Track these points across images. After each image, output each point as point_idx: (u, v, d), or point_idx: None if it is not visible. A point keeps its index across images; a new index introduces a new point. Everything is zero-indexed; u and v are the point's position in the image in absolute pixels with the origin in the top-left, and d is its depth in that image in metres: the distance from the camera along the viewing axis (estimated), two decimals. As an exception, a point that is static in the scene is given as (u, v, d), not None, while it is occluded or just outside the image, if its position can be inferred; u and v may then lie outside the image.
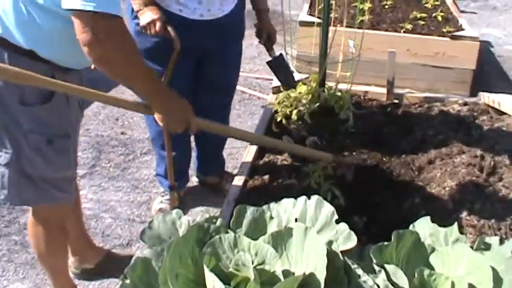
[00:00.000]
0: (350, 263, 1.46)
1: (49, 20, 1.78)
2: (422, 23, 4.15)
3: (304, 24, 4.10)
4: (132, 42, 1.78)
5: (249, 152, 2.51)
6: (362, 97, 3.10)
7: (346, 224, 1.60)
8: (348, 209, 2.14)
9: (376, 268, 1.51)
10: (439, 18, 4.19)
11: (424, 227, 1.75)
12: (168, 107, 1.91)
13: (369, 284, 1.42)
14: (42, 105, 1.89)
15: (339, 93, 2.89)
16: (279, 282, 1.35)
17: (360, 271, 1.44)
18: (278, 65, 2.69)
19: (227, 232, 1.62)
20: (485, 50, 5.08)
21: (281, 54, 2.72)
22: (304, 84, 2.86)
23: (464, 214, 2.12)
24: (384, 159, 2.49)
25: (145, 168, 3.37)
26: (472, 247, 1.61)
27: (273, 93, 3.07)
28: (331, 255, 1.50)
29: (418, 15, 4.19)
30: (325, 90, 2.87)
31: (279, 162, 2.47)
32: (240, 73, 2.99)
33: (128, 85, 1.90)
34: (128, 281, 1.52)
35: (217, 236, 1.56)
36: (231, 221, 1.67)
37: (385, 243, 1.56)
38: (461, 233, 1.75)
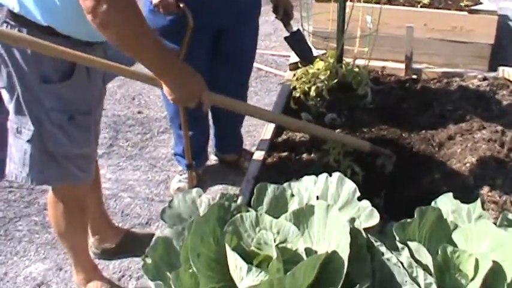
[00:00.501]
0: (373, 240, 1.45)
1: None
2: (441, -4, 4.09)
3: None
4: (138, 12, 1.68)
5: (267, 130, 2.50)
6: (380, 73, 3.07)
7: (368, 201, 1.59)
8: (368, 186, 2.13)
9: (399, 245, 1.50)
10: (458, -9, 4.12)
11: (446, 203, 1.73)
12: (179, 80, 1.82)
13: (393, 261, 1.41)
14: (63, 82, 1.89)
15: (357, 69, 2.87)
16: (302, 261, 1.35)
17: (383, 248, 1.43)
18: (296, 41, 2.65)
19: (248, 211, 1.62)
20: (503, 23, 4.99)
21: (298, 30, 2.69)
22: (322, 60, 2.84)
23: (485, 190, 2.10)
24: (404, 135, 2.47)
25: (163, 147, 3.38)
26: (495, 223, 1.60)
27: (290, 69, 3.05)
28: (353, 232, 1.49)
29: (436, -10, 4.12)
30: (343, 66, 2.84)
31: (297, 139, 2.45)
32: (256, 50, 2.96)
33: (136, 56, 1.76)
34: (149, 261, 1.52)
35: (239, 215, 1.55)
36: (252, 199, 1.67)
37: (408, 220, 1.55)
38: (483, 209, 1.73)
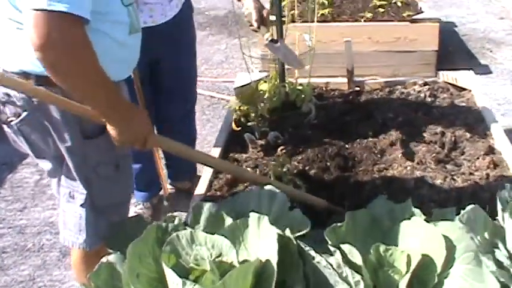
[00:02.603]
0: (303, 246, 1.50)
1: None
2: (383, 10, 4.20)
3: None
4: (92, 51, 1.57)
5: (214, 151, 2.55)
6: (324, 88, 3.13)
7: (299, 210, 1.64)
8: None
9: (332, 249, 1.54)
10: (399, 3, 4.24)
11: (381, 205, 1.78)
12: (125, 121, 1.75)
13: (323, 264, 1.46)
14: (103, 134, 1.81)
15: (300, 87, 2.94)
16: (233, 269, 1.38)
17: (313, 253, 1.48)
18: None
19: (185, 229, 1.66)
20: (450, 30, 5.15)
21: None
22: (265, 82, 2.90)
23: (425, 190, 2.16)
24: (347, 146, 2.52)
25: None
26: (428, 220, 1.65)
27: (236, 94, 3.10)
28: (284, 241, 1.53)
29: (378, 3, 4.23)
30: (286, 85, 2.91)
31: (243, 158, 2.50)
32: (208, 78, 3.01)
33: (83, 97, 1.68)
34: (91, 286, 1.54)
35: (175, 234, 1.60)
36: (189, 218, 1.71)
37: (338, 224, 1.60)
38: (423, 208, 1.78)
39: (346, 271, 1.42)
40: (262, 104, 2.78)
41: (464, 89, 2.97)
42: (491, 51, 4.78)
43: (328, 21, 4.12)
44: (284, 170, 2.27)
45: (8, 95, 1.79)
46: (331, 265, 1.45)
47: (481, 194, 2.12)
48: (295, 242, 1.50)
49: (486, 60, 4.65)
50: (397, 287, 1.49)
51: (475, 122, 2.65)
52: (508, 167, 2.29)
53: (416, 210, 1.70)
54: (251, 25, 2.51)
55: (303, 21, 4.16)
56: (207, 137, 3.83)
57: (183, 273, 1.52)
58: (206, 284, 1.42)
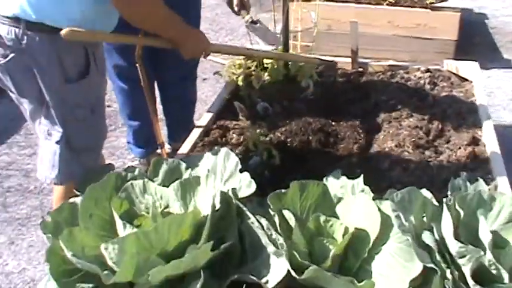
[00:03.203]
0: (242, 207, 1.58)
1: None
2: (408, -6, 4.18)
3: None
4: None
5: (204, 117, 2.64)
6: (328, 66, 3.16)
7: (247, 173, 1.71)
8: (285, 168, 2.25)
9: (272, 213, 1.62)
10: (426, -10, 4.21)
11: (335, 179, 1.84)
12: (191, 38, 2.18)
13: (256, 225, 1.53)
14: (82, 80, 2.05)
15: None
16: (165, 218, 1.48)
17: (248, 213, 1.56)
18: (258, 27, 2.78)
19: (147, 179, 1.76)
20: (479, 21, 5.07)
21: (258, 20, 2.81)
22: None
23: (396, 172, 2.20)
24: (333, 123, 2.57)
25: (124, 137, 3.51)
26: (376, 198, 1.70)
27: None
28: (227, 199, 1.62)
29: (403, -12, 4.21)
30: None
31: (231, 126, 2.58)
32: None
33: (154, 30, 2.10)
34: (49, 219, 1.66)
35: (129, 183, 1.70)
36: (149, 170, 1.81)
37: (283, 190, 1.66)
38: (390, 188, 1.83)
39: (274, 233, 1.50)
40: (265, 76, 2.86)
41: (466, 80, 2.96)
42: (516, 46, 4.70)
43: (350, 1, 4.13)
44: (262, 139, 2.34)
45: None
46: (263, 227, 1.52)
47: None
48: (234, 202, 1.58)
49: (510, 55, 4.56)
50: (329, 255, 1.55)
51: (467, 113, 2.64)
52: (487, 160, 2.30)
53: (366, 188, 1.75)
54: (233, 9, 2.77)
55: (326, 0, 4.20)
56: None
57: (134, 218, 1.64)
58: (144, 228, 1.52)
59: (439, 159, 2.31)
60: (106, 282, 1.42)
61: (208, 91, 4.20)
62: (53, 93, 2.01)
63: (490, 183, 2.15)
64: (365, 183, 2.10)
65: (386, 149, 2.35)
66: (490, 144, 2.38)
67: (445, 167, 2.25)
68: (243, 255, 1.58)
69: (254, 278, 1.44)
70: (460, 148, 2.37)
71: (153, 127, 2.55)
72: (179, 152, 2.39)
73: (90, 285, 1.52)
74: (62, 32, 1.88)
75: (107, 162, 3.28)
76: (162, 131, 3.27)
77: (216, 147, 1.85)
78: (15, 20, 1.91)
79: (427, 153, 2.34)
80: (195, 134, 2.51)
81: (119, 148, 3.48)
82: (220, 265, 1.55)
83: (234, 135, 2.50)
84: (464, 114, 2.63)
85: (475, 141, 2.41)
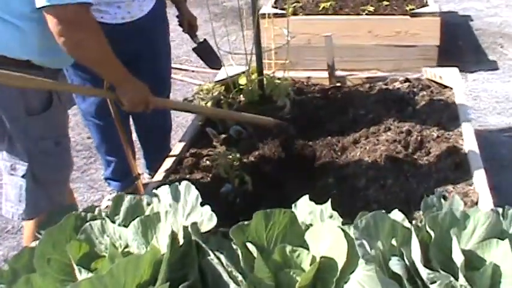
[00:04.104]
0: (200, 243, 1.51)
1: (34, 26, 1.92)
2: (387, 3, 4.12)
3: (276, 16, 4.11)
4: (98, 27, 1.96)
5: (176, 146, 2.58)
6: (305, 83, 3.11)
7: (209, 207, 1.64)
8: (258, 194, 2.18)
9: (234, 247, 1.55)
10: (405, -3, 4.16)
11: (304, 205, 1.77)
12: (130, 88, 2.11)
13: (215, 261, 1.47)
14: (45, 112, 2.05)
15: (278, 81, 2.93)
16: (121, 260, 1.41)
17: (207, 250, 1.49)
18: (204, 50, 2.79)
19: (105, 219, 1.69)
20: (464, 24, 5.01)
21: (205, 40, 2.81)
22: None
23: (372, 190, 2.12)
24: (310, 142, 2.50)
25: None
26: (346, 223, 1.63)
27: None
28: (187, 235, 1.55)
29: (382, -4, 4.16)
30: (265, 79, 2.90)
31: (205, 153, 2.51)
32: (195, 68, 3.06)
33: (98, 70, 2.06)
34: (6, 268, 1.59)
35: (88, 223, 1.63)
36: (109, 209, 1.74)
37: (246, 222, 1.59)
38: (366, 209, 1.76)
39: (233, 270, 1.43)
40: (241, 97, 2.81)
41: (446, 87, 2.90)
42: (502, 47, 4.63)
43: (329, 14, 4.08)
44: (235, 164, 2.27)
45: None
46: (222, 263, 1.45)
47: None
48: (193, 237, 1.52)
49: (495, 56, 4.50)
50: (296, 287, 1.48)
51: (448, 121, 2.58)
52: (469, 170, 2.23)
53: (335, 213, 1.68)
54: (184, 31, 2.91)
55: (305, 14, 4.16)
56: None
57: (94, 260, 1.57)
58: (100, 271, 1.45)
59: (418, 173, 2.24)
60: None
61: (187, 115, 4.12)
62: (16, 125, 2.00)
63: (472, 195, 2.09)
64: (340, 204, 2.05)
65: (363, 166, 2.28)
66: (471, 153, 2.31)
67: (425, 181, 2.18)
68: (207, 293, 1.51)
69: (215, 319, 1.37)
70: (440, 159, 2.30)
71: (129, 161, 2.50)
72: (152, 181, 2.33)
73: (47, 336, 1.45)
74: None
75: (84, 196, 3.26)
76: (141, 161, 3.23)
77: (177, 181, 1.79)
78: None
79: (405, 167, 2.27)
80: (168, 163, 2.45)
81: (98, 181, 3.42)
82: (183, 306, 1.48)
83: (208, 161, 2.43)
84: (445, 123, 2.57)
85: (456, 151, 2.34)
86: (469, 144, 2.37)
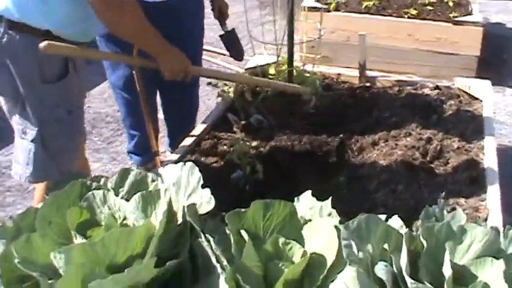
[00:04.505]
0: (193, 224, 1.54)
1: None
2: (431, 8, 4.05)
3: (310, 10, 4.10)
4: (137, 4, 2.02)
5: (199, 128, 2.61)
6: (335, 79, 3.09)
7: (208, 190, 1.66)
8: (268, 184, 2.19)
9: (228, 231, 1.57)
10: (450, 3, 4.07)
11: (306, 200, 1.78)
12: (170, 58, 2.19)
13: (205, 243, 1.50)
14: (60, 82, 2.11)
15: (307, 75, 2.93)
16: (112, 230, 1.45)
17: (199, 231, 1.52)
18: (230, 39, 2.79)
19: (109, 190, 1.73)
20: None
21: (233, 29, 2.81)
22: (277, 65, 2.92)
23: (381, 194, 2.11)
24: (329, 139, 2.50)
25: (129, 143, 3.53)
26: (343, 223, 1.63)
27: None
28: (184, 216, 1.58)
29: (427, 1, 4.08)
30: (294, 71, 2.90)
31: (225, 136, 2.54)
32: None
33: (138, 43, 2.17)
34: (9, 223, 1.65)
35: (91, 192, 1.68)
36: (115, 181, 1.78)
37: (243, 210, 1.61)
38: (373, 212, 1.75)
39: (220, 254, 1.45)
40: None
41: (476, 99, 2.84)
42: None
43: (371, 13, 4.04)
44: (250, 151, 2.29)
45: None
46: (211, 248, 1.48)
47: (440, 207, 2.05)
48: (187, 218, 1.54)
49: (539, 74, 4.37)
50: (283, 281, 1.49)
51: (472, 133, 2.53)
52: (484, 185, 2.19)
53: (333, 211, 1.68)
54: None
55: (347, 11, 4.13)
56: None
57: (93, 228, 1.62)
58: (94, 238, 1.50)
59: (432, 182, 2.21)
60: (45, 291, 1.40)
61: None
62: (30, 92, 2.05)
63: (482, 211, 2.06)
64: (347, 204, 2.05)
65: (377, 169, 2.27)
66: (491, 169, 2.26)
67: (437, 191, 2.15)
68: (196, 273, 1.54)
69: (196, 299, 1.40)
70: (457, 171, 2.27)
71: (149, 137, 2.54)
72: (168, 159, 2.37)
73: (40, 293, 1.49)
74: (41, 45, 1.90)
75: (106, 167, 3.33)
76: (165, 139, 3.27)
77: (192, 161, 1.81)
78: None
79: (420, 175, 2.25)
80: (187, 142, 2.49)
81: (121, 153, 3.50)
82: (170, 283, 1.51)
83: (225, 146, 2.46)
84: (468, 135, 2.52)
85: (475, 165, 2.30)
86: (489, 159, 2.33)
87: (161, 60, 2.18)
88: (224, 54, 4.24)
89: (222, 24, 2.84)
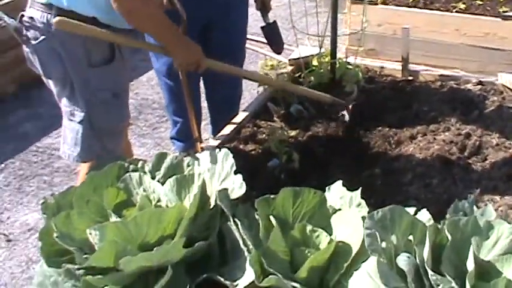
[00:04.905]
0: (223, 207, 1.59)
1: None
2: (480, 2, 3.97)
3: (354, 2, 4.09)
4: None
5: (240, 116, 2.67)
6: (378, 72, 3.09)
7: (240, 175, 1.72)
8: (304, 173, 2.23)
9: (257, 217, 1.62)
10: (501, -2, 3.98)
11: (337, 190, 1.81)
12: (181, 51, 2.22)
13: (233, 227, 1.55)
14: (106, 66, 2.22)
15: (350, 67, 2.94)
16: (145, 210, 1.53)
17: (229, 215, 1.58)
18: (271, 31, 2.81)
19: (145, 173, 1.81)
20: None
21: (275, 21, 2.83)
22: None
23: (414, 187, 2.12)
24: (368, 131, 2.51)
25: (173, 129, 3.62)
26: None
27: (290, 64, 3.15)
28: (216, 200, 1.65)
29: (477, -5, 4.00)
30: (338, 62, 2.93)
31: (265, 125, 2.59)
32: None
33: (151, 34, 2.26)
34: (51, 200, 1.75)
35: (128, 174, 1.76)
36: (152, 164, 1.86)
37: (272, 196, 1.66)
38: (405, 204, 1.77)
39: (246, 238, 1.50)
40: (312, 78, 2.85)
41: (521, 96, 2.80)
42: None
43: (418, 7, 3.99)
44: (289, 140, 2.34)
45: (32, 19, 2.12)
46: (239, 231, 1.53)
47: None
48: (218, 202, 1.60)
49: None
50: (307, 267, 1.53)
51: (512, 131, 2.50)
52: (522, 183, 2.17)
53: (362, 201, 1.71)
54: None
55: (395, 4, 4.09)
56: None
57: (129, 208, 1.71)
58: (127, 217, 1.58)
59: (468, 177, 2.21)
60: (80, 264, 1.49)
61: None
62: (78, 75, 2.16)
63: (515, 209, 2.05)
64: (381, 196, 2.07)
65: (413, 162, 2.27)
66: (529, 167, 2.24)
67: (472, 187, 2.14)
68: (224, 255, 1.60)
69: (221, 279, 1.46)
70: (494, 168, 2.25)
71: (191, 123, 2.61)
72: (208, 145, 2.43)
73: (76, 266, 1.58)
74: (53, 21, 2.01)
75: (150, 152, 3.42)
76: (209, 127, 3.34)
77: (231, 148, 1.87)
78: (49, 6, 2.09)
79: (455, 170, 2.24)
80: (227, 130, 2.55)
81: (165, 139, 3.59)
82: (199, 264, 1.58)
83: (264, 135, 2.51)
84: (508, 132, 2.49)
85: (513, 163, 2.28)
86: (529, 158, 2.30)
87: (174, 52, 2.23)
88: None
89: (264, 15, 2.86)
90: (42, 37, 2.11)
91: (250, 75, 2.78)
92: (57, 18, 2.01)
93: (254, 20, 3.04)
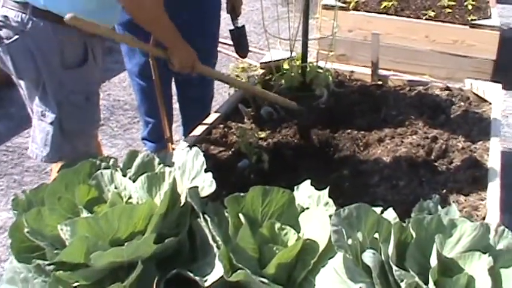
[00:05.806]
0: (193, 204, 1.61)
1: None
2: (449, 10, 4.08)
3: (326, 7, 4.16)
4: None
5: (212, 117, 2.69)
6: (348, 77, 3.14)
7: (211, 174, 1.74)
8: (273, 174, 2.26)
9: (226, 214, 1.64)
10: (469, 7, 4.08)
11: (305, 189, 1.85)
12: (180, 51, 2.28)
13: (203, 224, 1.57)
14: (79, 68, 2.20)
15: (320, 71, 2.98)
16: (117, 206, 1.53)
17: (198, 212, 1.60)
18: (239, 35, 2.86)
19: (117, 171, 1.82)
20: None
21: (243, 26, 2.87)
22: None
23: (382, 188, 2.17)
24: (336, 134, 2.56)
25: (145, 130, 3.63)
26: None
27: (261, 68, 3.19)
28: (187, 197, 1.66)
29: (447, 3, 4.10)
30: (308, 66, 2.96)
31: (235, 126, 2.61)
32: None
33: (154, 30, 2.24)
34: (22, 197, 1.75)
35: (99, 171, 1.77)
36: (123, 162, 1.87)
37: (241, 194, 1.68)
38: (373, 205, 1.81)
39: (215, 234, 1.52)
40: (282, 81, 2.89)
41: (486, 101, 2.88)
42: None
43: (389, 13, 4.08)
44: (258, 141, 2.37)
45: (6, 17, 2.10)
46: (209, 227, 1.55)
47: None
48: (188, 199, 1.62)
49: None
50: (275, 263, 1.56)
51: (478, 134, 2.56)
52: (486, 185, 2.23)
53: (330, 200, 1.75)
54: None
55: (366, 10, 4.18)
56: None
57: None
58: (98, 213, 1.59)
59: (434, 180, 2.26)
60: (51, 260, 1.49)
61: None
62: (51, 76, 2.14)
63: (481, 210, 2.10)
64: (348, 197, 2.11)
65: (380, 165, 2.32)
66: (493, 170, 2.30)
67: (438, 189, 2.20)
68: (194, 252, 1.62)
69: (191, 275, 1.47)
70: (459, 171, 2.31)
71: (162, 123, 2.62)
72: (178, 147, 2.45)
73: (46, 261, 1.58)
74: (66, 17, 1.99)
75: (121, 152, 3.42)
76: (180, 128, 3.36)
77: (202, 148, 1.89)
78: (24, 5, 2.07)
79: (422, 172, 2.29)
80: (199, 131, 2.57)
81: (136, 140, 3.60)
82: (169, 259, 1.59)
83: (235, 136, 2.53)
84: (474, 136, 2.56)
85: (478, 165, 2.34)
86: (493, 160, 2.36)
87: (173, 51, 2.27)
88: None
89: (234, 19, 2.91)
90: (16, 36, 2.10)
91: (234, 81, 2.85)
92: (70, 14, 1.99)
93: (226, 25, 3.07)
